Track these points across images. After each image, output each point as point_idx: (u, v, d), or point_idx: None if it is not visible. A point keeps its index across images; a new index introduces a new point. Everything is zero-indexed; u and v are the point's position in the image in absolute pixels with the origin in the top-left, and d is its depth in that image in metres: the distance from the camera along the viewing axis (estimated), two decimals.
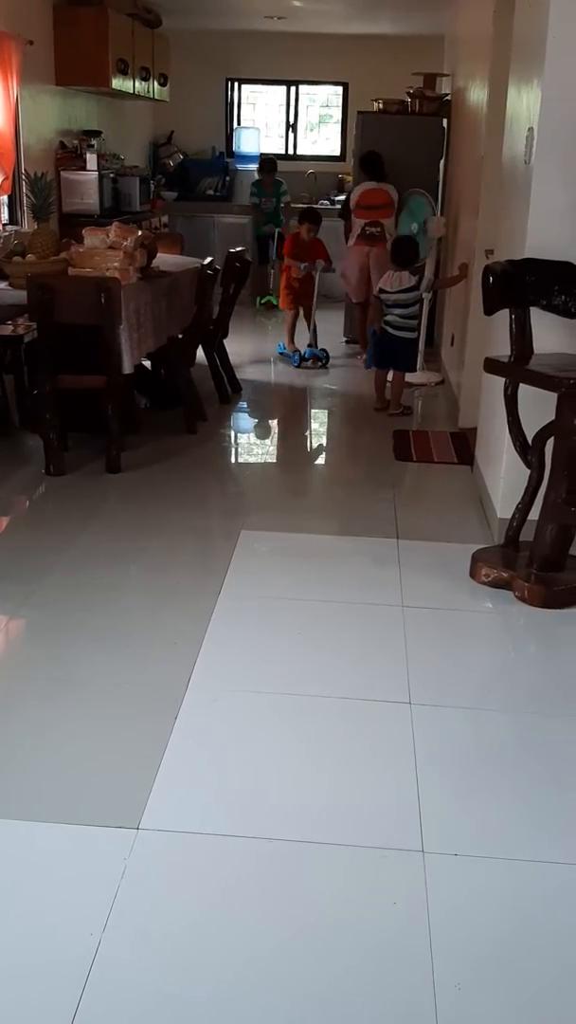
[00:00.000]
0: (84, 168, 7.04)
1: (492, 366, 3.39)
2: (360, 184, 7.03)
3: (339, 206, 9.41)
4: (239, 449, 5.34)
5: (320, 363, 6.83)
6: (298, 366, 6.79)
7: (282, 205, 8.94)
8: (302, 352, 6.85)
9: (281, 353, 7.08)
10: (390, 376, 5.79)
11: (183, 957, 1.82)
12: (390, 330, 5.69)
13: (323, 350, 6.89)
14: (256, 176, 9.18)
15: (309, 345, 6.88)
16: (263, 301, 8.87)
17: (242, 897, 1.97)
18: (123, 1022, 1.68)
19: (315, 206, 7.49)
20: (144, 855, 2.06)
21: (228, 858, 2.08)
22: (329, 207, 9.67)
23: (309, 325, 6.95)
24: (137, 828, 2.13)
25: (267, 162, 9.03)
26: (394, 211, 6.86)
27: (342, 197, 9.50)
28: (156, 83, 8.31)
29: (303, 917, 1.92)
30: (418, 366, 6.40)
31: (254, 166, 9.36)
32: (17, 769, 2.35)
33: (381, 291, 5.71)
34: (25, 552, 3.63)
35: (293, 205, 8.92)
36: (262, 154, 9.51)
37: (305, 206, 8.02)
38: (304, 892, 1.99)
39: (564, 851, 2.13)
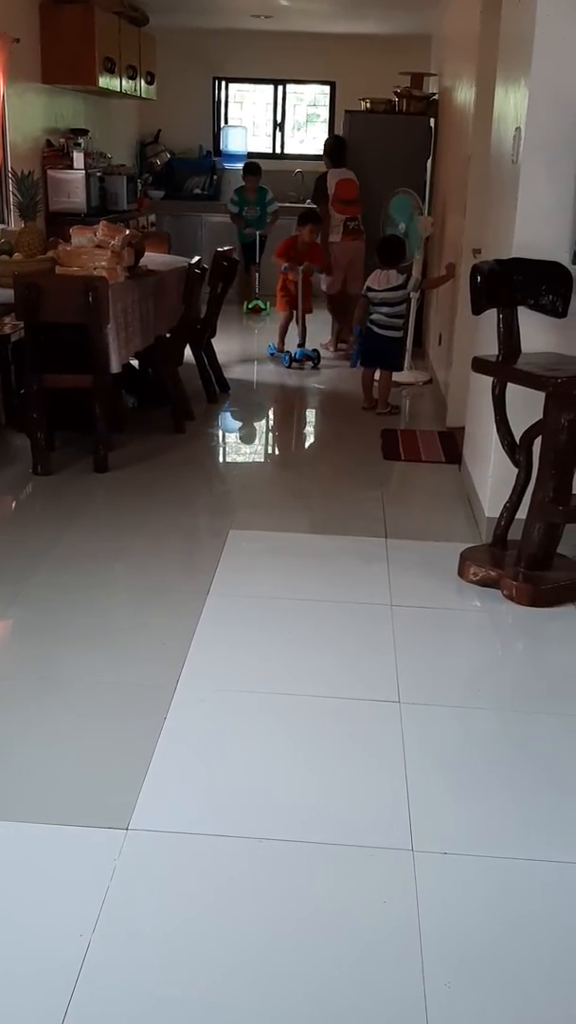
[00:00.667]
0: (71, 167, 7.02)
1: (480, 365, 3.40)
2: (331, 173, 7.09)
3: None
4: (227, 448, 5.33)
5: (311, 363, 6.84)
6: (288, 366, 6.79)
7: (268, 214, 8.52)
8: (293, 353, 6.85)
9: (272, 354, 7.07)
10: (377, 375, 5.81)
11: (173, 958, 1.81)
12: (376, 329, 5.71)
13: (315, 350, 6.90)
14: (240, 182, 8.70)
15: (299, 345, 6.89)
16: (250, 306, 8.69)
17: (232, 897, 1.97)
18: (113, 1023, 1.68)
19: (314, 207, 7.23)
20: (134, 856, 2.05)
21: (218, 858, 2.08)
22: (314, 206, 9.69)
23: (300, 326, 6.96)
24: (127, 828, 2.12)
25: (252, 165, 8.58)
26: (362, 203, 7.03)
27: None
28: (143, 81, 8.29)
29: (293, 916, 1.92)
30: (406, 365, 6.44)
31: (241, 165, 9.08)
32: (4, 769, 2.34)
33: (369, 289, 5.73)
34: (12, 551, 3.61)
35: (283, 204, 8.84)
36: (248, 156, 9.47)
37: (305, 207, 7.62)
38: (294, 891, 1.99)
39: (553, 849, 2.14)
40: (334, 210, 7.02)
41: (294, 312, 7.00)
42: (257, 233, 8.58)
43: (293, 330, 6.99)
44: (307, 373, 6.71)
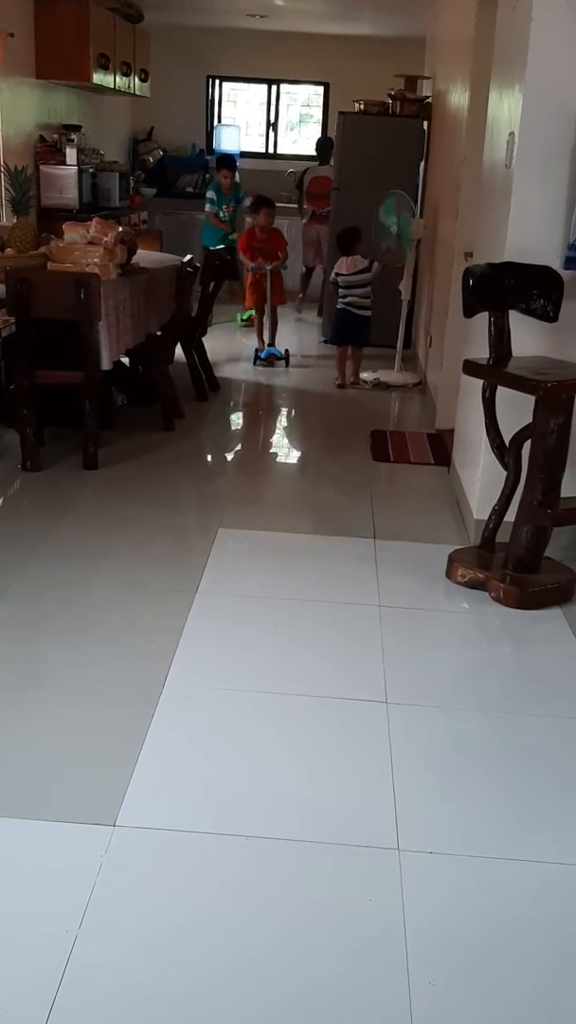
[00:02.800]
0: (63, 163, 7.01)
1: (470, 368, 3.41)
2: (311, 170, 8.49)
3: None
4: (217, 446, 5.33)
5: (280, 361, 6.81)
6: (255, 364, 6.78)
7: (241, 208, 7.93)
8: (259, 353, 6.84)
9: (263, 357, 6.96)
10: (349, 352, 6.41)
11: (159, 955, 1.81)
12: (353, 310, 6.33)
13: (285, 350, 6.89)
14: (214, 180, 8.19)
15: (268, 344, 6.89)
16: (244, 318, 7.91)
17: (218, 894, 1.97)
18: (98, 1020, 1.68)
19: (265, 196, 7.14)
20: (121, 852, 2.06)
21: (205, 855, 2.08)
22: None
23: (270, 323, 6.94)
24: (114, 825, 2.13)
25: (226, 158, 8.19)
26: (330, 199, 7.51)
27: None
28: (137, 78, 8.28)
29: (279, 914, 1.93)
30: (396, 367, 6.50)
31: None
32: None
33: (338, 275, 6.34)
34: (0, 547, 3.60)
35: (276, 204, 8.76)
36: (241, 155, 9.42)
37: (255, 195, 7.28)
38: (280, 889, 2.00)
39: (538, 849, 2.15)
40: (308, 203, 8.40)
41: (264, 308, 6.96)
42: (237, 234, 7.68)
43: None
44: (300, 373, 6.71)
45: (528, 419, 3.23)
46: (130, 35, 7.97)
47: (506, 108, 3.68)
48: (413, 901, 1.96)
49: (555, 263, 3.37)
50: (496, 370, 3.30)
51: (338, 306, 6.44)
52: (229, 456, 5.22)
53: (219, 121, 10.14)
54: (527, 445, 3.28)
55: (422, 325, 6.85)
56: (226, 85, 10.15)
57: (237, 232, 7.74)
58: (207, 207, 8.06)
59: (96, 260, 4.49)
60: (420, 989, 1.76)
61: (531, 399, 3.17)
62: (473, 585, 3.40)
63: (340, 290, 6.36)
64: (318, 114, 10.10)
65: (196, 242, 8.42)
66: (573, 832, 2.21)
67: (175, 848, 2.09)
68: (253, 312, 7.27)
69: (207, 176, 9.72)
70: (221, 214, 8.01)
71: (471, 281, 3.24)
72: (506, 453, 3.37)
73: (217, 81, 10.07)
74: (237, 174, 8.35)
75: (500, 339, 3.32)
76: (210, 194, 8.04)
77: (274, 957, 1.83)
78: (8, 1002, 1.70)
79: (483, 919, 1.95)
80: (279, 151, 10.27)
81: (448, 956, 1.85)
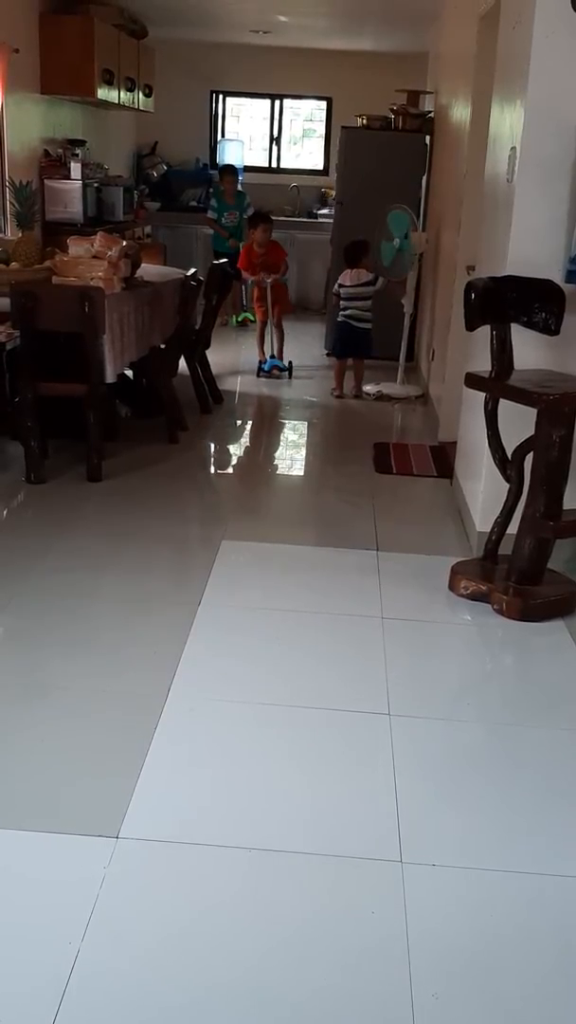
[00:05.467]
0: (68, 177, 7.05)
1: (473, 381, 3.43)
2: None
3: (322, 219, 9.51)
4: (220, 459, 5.35)
5: (283, 373, 6.85)
6: (258, 376, 6.83)
7: (245, 218, 7.96)
8: (262, 364, 6.89)
9: (267, 370, 7.01)
10: (349, 362, 6.51)
11: (162, 966, 1.81)
12: (353, 323, 6.40)
13: (290, 362, 6.92)
14: (216, 188, 8.45)
15: (271, 356, 6.93)
16: (239, 319, 8.59)
17: (221, 906, 1.97)
18: None
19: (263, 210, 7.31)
20: (124, 864, 2.06)
21: (207, 867, 2.08)
22: (309, 220, 9.75)
23: (275, 335, 7.00)
24: (117, 837, 2.13)
25: (228, 166, 8.50)
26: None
27: (325, 211, 9.58)
28: (141, 93, 8.33)
29: (282, 926, 1.93)
30: (398, 379, 6.52)
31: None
32: None
33: (341, 286, 6.40)
34: (4, 558, 3.61)
35: (278, 219, 8.81)
36: (244, 170, 9.48)
37: (255, 210, 7.70)
38: (283, 901, 2.00)
39: (541, 861, 2.15)
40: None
41: (268, 321, 7.03)
42: (240, 244, 7.77)
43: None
44: (303, 385, 6.73)
45: (530, 431, 3.24)
46: (134, 51, 8.03)
47: (508, 123, 3.71)
48: (416, 913, 1.96)
49: (556, 276, 3.39)
50: (498, 383, 3.31)
51: (339, 319, 6.50)
52: (232, 468, 5.23)
53: (223, 135, 10.20)
54: (529, 457, 3.29)
55: (425, 338, 6.87)
56: (229, 100, 10.21)
57: (240, 242, 7.83)
58: (208, 213, 8.44)
59: (100, 274, 4.52)
60: (423, 1001, 1.76)
61: (533, 412, 3.18)
62: (476, 597, 3.41)
63: (341, 302, 6.43)
64: (321, 129, 10.16)
65: (200, 255, 8.51)
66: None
67: (178, 860, 2.10)
68: (247, 315, 7.41)
69: (211, 190, 9.77)
70: (223, 220, 8.28)
71: (473, 294, 3.26)
72: (508, 465, 3.38)
73: (221, 96, 10.13)
74: (240, 185, 8.52)
75: (502, 352, 3.33)
76: (212, 201, 8.44)
77: (277, 969, 1.82)
78: (12, 1013, 1.70)
79: (486, 931, 1.94)
80: (282, 165, 10.32)
81: (451, 968, 1.84)
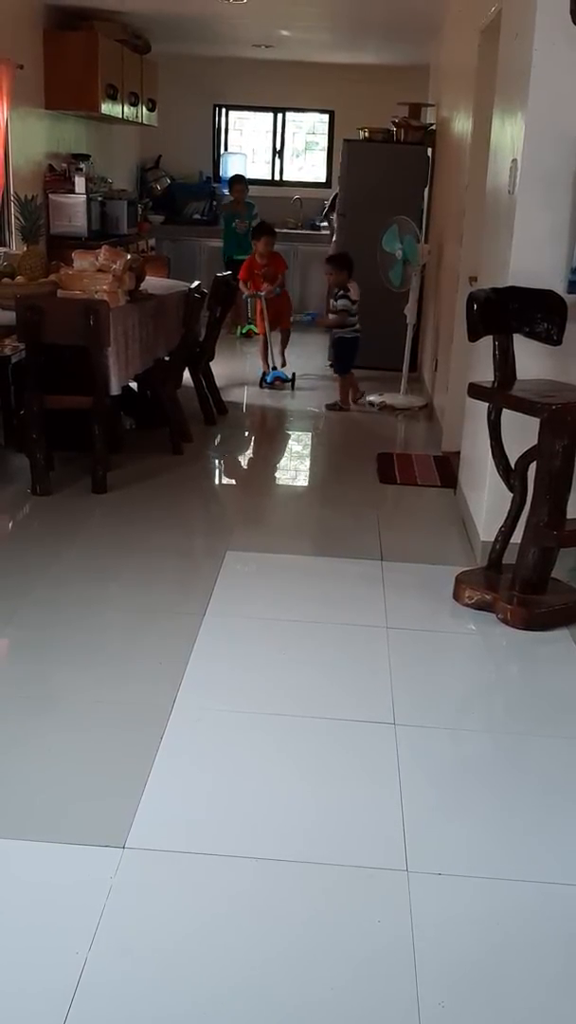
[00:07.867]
0: (72, 191, 7.10)
1: (476, 391, 3.44)
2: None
3: (324, 231, 9.55)
4: (224, 470, 5.37)
5: (285, 384, 6.88)
6: (261, 387, 6.86)
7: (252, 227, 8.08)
8: (265, 376, 6.93)
9: (270, 381, 7.03)
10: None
11: (169, 976, 1.82)
12: (355, 335, 6.48)
13: (293, 373, 6.95)
14: (227, 198, 9.00)
15: (273, 367, 6.96)
16: (243, 331, 8.58)
17: (228, 916, 1.98)
18: None
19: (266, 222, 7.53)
20: (130, 874, 2.06)
21: (214, 877, 2.09)
22: (311, 232, 9.79)
23: (279, 346, 7.05)
24: (123, 847, 2.13)
25: (238, 175, 8.93)
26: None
27: (326, 223, 9.62)
28: (144, 108, 8.39)
29: (288, 936, 1.93)
30: (402, 390, 6.54)
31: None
32: (1, 787, 2.34)
33: (353, 302, 6.41)
34: (10, 570, 3.63)
35: (281, 231, 8.84)
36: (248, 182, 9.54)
37: (258, 222, 7.91)
38: (289, 911, 2.00)
39: (547, 870, 2.15)
40: None
41: (269, 333, 7.06)
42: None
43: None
44: (307, 396, 6.75)
45: (533, 441, 3.25)
46: (138, 65, 8.09)
47: (509, 135, 3.74)
48: (422, 922, 1.97)
49: (558, 287, 3.41)
50: (501, 393, 3.33)
51: (348, 335, 6.50)
52: (237, 479, 5.25)
53: (226, 149, 10.26)
54: (533, 467, 3.30)
55: (428, 348, 6.89)
56: (232, 113, 10.27)
57: (244, 250, 7.97)
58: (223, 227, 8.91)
59: (105, 287, 4.55)
60: (430, 1011, 1.76)
61: (536, 421, 3.19)
62: (480, 606, 3.41)
63: (348, 317, 6.45)
64: (324, 142, 10.21)
65: (204, 268, 8.55)
66: None
67: (185, 870, 2.10)
68: (252, 327, 7.46)
69: (214, 203, 9.84)
70: (234, 228, 8.69)
71: (475, 305, 3.28)
72: (512, 475, 3.39)
73: (224, 110, 10.19)
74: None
75: (505, 362, 3.34)
76: (224, 214, 8.96)
77: (282, 977, 1.83)
78: (20, 1023, 1.71)
79: (492, 940, 1.95)
80: (285, 178, 10.38)
81: (457, 977, 1.85)
